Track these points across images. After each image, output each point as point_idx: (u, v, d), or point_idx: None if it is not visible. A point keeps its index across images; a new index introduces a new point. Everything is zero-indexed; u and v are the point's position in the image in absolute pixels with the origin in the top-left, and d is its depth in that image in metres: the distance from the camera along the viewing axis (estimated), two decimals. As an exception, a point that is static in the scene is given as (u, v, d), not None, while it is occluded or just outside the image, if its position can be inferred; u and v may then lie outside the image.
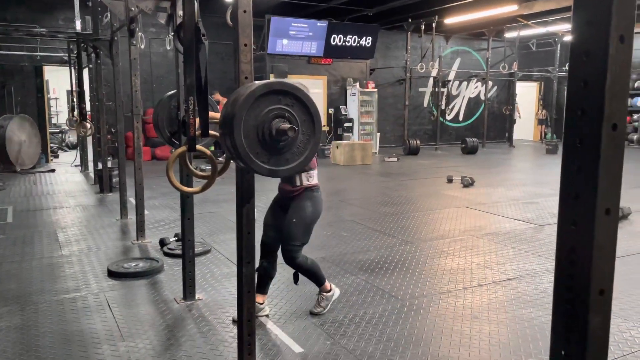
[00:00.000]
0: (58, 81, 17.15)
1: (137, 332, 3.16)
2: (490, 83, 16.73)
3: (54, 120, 17.52)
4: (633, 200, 6.64)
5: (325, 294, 3.43)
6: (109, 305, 3.57)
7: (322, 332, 3.15)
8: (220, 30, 11.40)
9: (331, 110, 13.83)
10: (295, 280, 3.36)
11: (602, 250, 0.89)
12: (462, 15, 13.01)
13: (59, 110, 19.20)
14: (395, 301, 3.66)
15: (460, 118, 17.45)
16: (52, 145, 13.11)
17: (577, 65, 0.88)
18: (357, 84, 13.99)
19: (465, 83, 17.28)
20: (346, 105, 14.02)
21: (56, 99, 18.53)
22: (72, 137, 14.98)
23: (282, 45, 12.73)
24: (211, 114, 3.30)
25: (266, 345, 3.01)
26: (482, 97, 17.00)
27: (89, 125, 8.63)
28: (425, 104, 16.71)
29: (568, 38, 15.95)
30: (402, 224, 5.95)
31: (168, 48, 8.17)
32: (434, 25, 13.63)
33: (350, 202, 7.35)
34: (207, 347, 2.97)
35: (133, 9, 4.57)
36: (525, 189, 8.37)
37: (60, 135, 15.37)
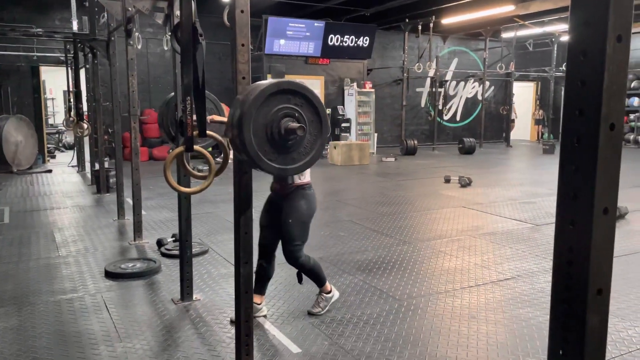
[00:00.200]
0: (55, 81, 17.11)
1: (134, 333, 3.15)
2: (487, 83, 16.76)
3: (50, 121, 17.47)
4: (630, 200, 6.66)
5: (325, 294, 3.43)
6: (106, 306, 3.56)
7: (320, 333, 3.15)
8: (217, 30, 11.38)
9: (329, 111, 13.83)
10: (299, 280, 3.37)
11: (600, 250, 0.89)
12: (459, 15, 13.03)
13: (56, 110, 19.15)
14: (393, 301, 3.66)
15: (458, 118, 17.47)
16: (48, 145, 13.08)
17: (575, 65, 0.88)
18: (355, 84, 14.00)
19: (462, 83, 17.30)
20: (344, 106, 14.03)
21: (53, 99, 18.49)
22: (69, 138, 14.95)
23: (279, 45, 12.73)
24: (219, 118, 3.31)
25: (264, 345, 3.01)
26: (480, 97, 17.02)
27: (85, 126, 8.61)
28: (423, 104, 16.73)
29: (565, 38, 16.00)
30: (399, 224, 5.95)
31: (165, 48, 8.16)
32: (431, 25, 13.65)
33: (347, 202, 7.35)
34: (205, 348, 2.96)
35: (130, 9, 4.57)
36: (522, 189, 8.38)
37: (57, 135, 15.33)
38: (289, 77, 12.14)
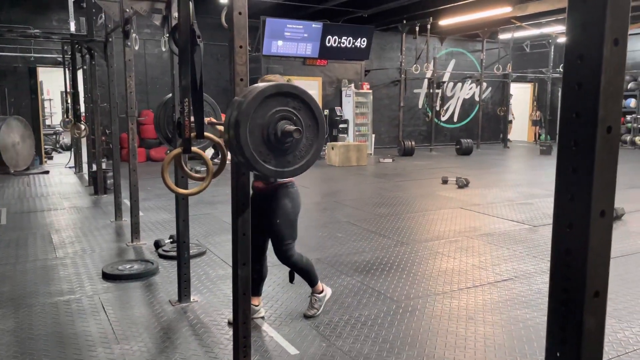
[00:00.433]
0: (52, 82, 17.08)
1: (132, 335, 3.15)
2: (484, 84, 16.80)
3: (47, 122, 17.44)
4: (627, 201, 6.67)
5: (317, 295, 3.42)
6: (103, 308, 3.56)
7: (317, 334, 3.15)
8: (215, 31, 11.39)
9: (326, 112, 13.84)
10: (291, 279, 3.36)
11: (597, 252, 0.89)
12: (456, 16, 13.06)
13: (53, 111, 19.12)
14: (390, 302, 3.66)
15: (455, 119, 17.50)
16: (46, 146, 13.06)
17: (572, 68, 0.88)
18: (352, 85, 14.01)
19: (459, 84, 17.34)
20: (341, 107, 14.04)
21: (50, 100, 18.46)
22: (66, 139, 14.92)
23: (277, 46, 12.73)
24: (216, 121, 3.31)
25: (261, 347, 3.01)
26: (477, 99, 17.05)
27: (83, 127, 8.60)
28: (420, 105, 16.76)
29: (562, 39, 16.04)
30: (397, 225, 5.96)
31: (163, 49, 8.16)
32: (429, 26, 13.68)
33: (345, 203, 7.35)
34: (203, 350, 2.96)
35: (128, 10, 4.56)
36: (519, 190, 8.40)
37: (54, 136, 15.31)
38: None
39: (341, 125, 13.42)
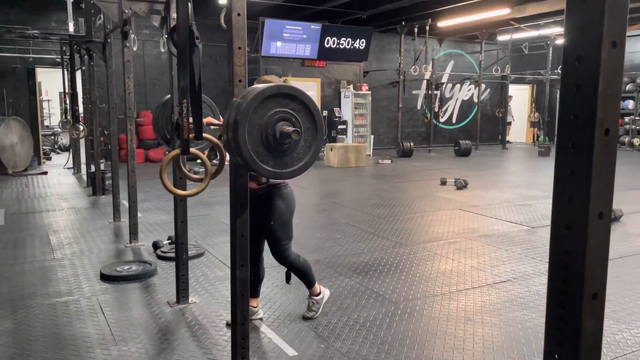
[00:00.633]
0: (50, 83, 17.08)
1: (130, 336, 3.14)
2: (483, 86, 16.82)
3: (46, 123, 17.43)
4: (625, 202, 6.68)
5: (315, 297, 3.41)
6: (101, 309, 3.55)
7: (316, 336, 3.15)
8: (213, 32, 11.38)
9: (325, 113, 13.84)
10: (288, 279, 3.35)
11: (595, 254, 0.89)
12: (455, 18, 13.07)
13: (52, 112, 19.11)
14: (389, 304, 3.66)
15: (454, 120, 17.51)
16: (44, 147, 13.03)
17: (570, 70, 0.88)
18: (351, 86, 14.02)
19: (458, 86, 17.35)
20: (340, 108, 14.04)
21: (49, 100, 18.46)
22: (64, 140, 14.90)
23: (276, 47, 12.73)
24: (214, 121, 3.31)
25: (260, 348, 3.00)
26: (475, 100, 17.07)
27: (81, 128, 8.58)
28: (419, 107, 16.76)
29: (560, 41, 16.06)
30: (395, 226, 5.96)
31: (162, 50, 8.15)
32: (428, 28, 13.69)
33: (344, 204, 7.35)
34: (201, 351, 2.96)
35: (126, 11, 4.56)
36: (518, 191, 8.41)
37: (52, 137, 15.29)
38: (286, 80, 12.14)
39: (340, 127, 13.42)
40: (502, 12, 12.06)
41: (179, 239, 3.63)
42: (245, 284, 2.33)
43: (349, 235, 5.56)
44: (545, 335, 0.98)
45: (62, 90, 11.68)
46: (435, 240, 5.40)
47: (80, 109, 8.91)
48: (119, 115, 6.33)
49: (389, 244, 5.23)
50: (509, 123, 17.93)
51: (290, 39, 12.89)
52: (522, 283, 4.08)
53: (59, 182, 9.51)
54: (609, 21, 0.83)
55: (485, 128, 17.53)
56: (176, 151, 2.57)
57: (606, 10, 0.83)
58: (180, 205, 3.58)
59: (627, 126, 15.97)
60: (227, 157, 2.32)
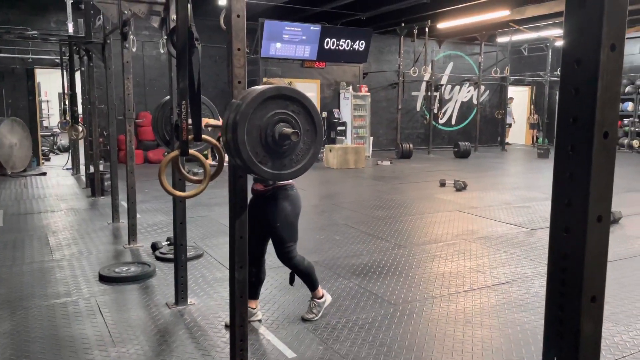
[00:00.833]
0: (50, 84, 17.07)
1: (128, 338, 3.14)
2: (482, 87, 16.83)
3: (45, 123, 17.42)
4: (624, 204, 6.68)
5: (317, 300, 3.42)
6: (100, 310, 3.55)
7: (314, 337, 3.14)
8: (213, 33, 11.40)
9: (324, 114, 13.85)
10: (291, 281, 3.36)
11: (594, 257, 0.89)
12: (454, 20, 13.08)
13: (51, 113, 19.10)
14: (388, 305, 3.66)
15: (453, 122, 17.52)
16: (43, 148, 13.02)
17: (569, 72, 0.88)
18: (350, 87, 14.02)
19: (457, 87, 17.36)
20: (339, 109, 14.04)
21: (48, 101, 18.45)
22: (63, 140, 14.89)
23: (275, 48, 12.73)
24: (213, 121, 3.31)
25: (258, 350, 3.00)
26: (475, 101, 17.08)
27: (80, 129, 8.58)
28: (418, 108, 16.77)
29: (559, 43, 16.08)
30: (395, 228, 5.95)
31: (161, 51, 8.15)
32: (427, 29, 13.69)
33: (343, 205, 7.35)
34: (199, 353, 2.95)
35: (126, 12, 4.56)
36: (517, 193, 8.41)
37: (51, 138, 15.28)
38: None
39: (339, 128, 13.42)
40: (501, 14, 12.07)
41: (178, 240, 3.63)
42: (244, 285, 2.33)
43: (348, 236, 5.56)
44: (544, 337, 0.97)
45: (61, 91, 11.67)
46: (434, 242, 5.40)
47: (80, 110, 8.91)
48: (118, 116, 6.33)
49: (388, 245, 5.23)
50: (509, 125, 17.94)
51: (290, 40, 12.89)
52: (521, 285, 4.08)
53: (57, 183, 9.50)
54: (608, 24, 0.83)
55: (484, 130, 17.54)
56: (175, 152, 2.57)
57: (605, 12, 0.82)
58: (179, 206, 3.58)
59: (626, 128, 15.99)
60: (226, 158, 2.32)
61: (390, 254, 4.92)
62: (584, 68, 0.86)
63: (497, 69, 15.90)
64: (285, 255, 3.25)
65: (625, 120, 15.95)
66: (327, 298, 3.49)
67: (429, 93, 15.84)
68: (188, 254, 3.95)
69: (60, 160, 12.57)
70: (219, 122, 2.98)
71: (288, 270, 3.38)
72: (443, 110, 16.95)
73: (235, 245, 2.28)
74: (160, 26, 3.74)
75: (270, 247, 3.34)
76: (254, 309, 3.37)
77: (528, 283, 4.12)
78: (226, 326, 3.26)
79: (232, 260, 2.31)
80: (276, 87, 2.04)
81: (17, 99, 11.50)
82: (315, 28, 13.12)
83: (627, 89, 15.96)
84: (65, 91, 10.27)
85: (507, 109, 17.46)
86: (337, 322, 3.37)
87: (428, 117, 15.96)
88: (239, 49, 2.15)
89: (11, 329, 3.23)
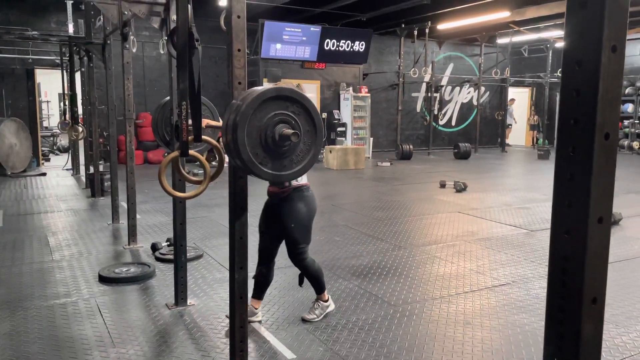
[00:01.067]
0: (50, 84, 17.07)
1: (128, 338, 3.14)
2: (482, 88, 16.84)
3: (45, 124, 17.41)
4: (624, 206, 6.68)
5: (322, 302, 3.42)
6: (99, 311, 3.54)
7: (314, 338, 3.14)
8: (213, 34, 11.39)
9: (324, 115, 13.85)
10: (300, 282, 3.38)
11: (595, 258, 0.89)
12: (454, 21, 13.08)
13: (51, 113, 19.10)
14: (388, 307, 3.65)
15: (453, 123, 17.52)
16: (43, 148, 13.02)
17: (570, 74, 0.88)
18: (350, 88, 14.02)
19: (457, 88, 17.37)
20: (339, 110, 14.05)
21: (48, 102, 18.45)
22: (63, 141, 14.89)
23: (275, 49, 12.74)
24: (213, 122, 3.31)
25: (258, 351, 3.00)
26: (475, 103, 17.09)
27: (80, 129, 8.58)
28: (418, 109, 16.77)
29: (560, 44, 16.09)
30: (395, 229, 5.95)
31: (161, 52, 8.15)
32: (427, 30, 13.70)
33: (343, 206, 7.35)
34: (199, 354, 2.95)
35: (126, 12, 4.56)
36: (517, 194, 8.41)
37: (51, 138, 15.28)
38: (286, 81, 12.13)
39: (339, 129, 13.43)
40: (501, 15, 12.07)
41: (178, 241, 3.63)
42: (244, 286, 2.32)
43: (348, 237, 5.56)
44: (544, 339, 0.97)
45: (61, 92, 11.66)
46: (434, 243, 5.40)
47: (80, 111, 8.90)
48: (118, 117, 6.32)
49: (388, 246, 5.22)
50: (509, 126, 17.93)
51: (290, 41, 12.90)
52: (521, 286, 4.08)
53: (57, 183, 9.50)
54: (609, 25, 0.83)
55: (484, 131, 17.54)
56: (175, 153, 2.57)
57: (606, 14, 0.82)
58: (179, 207, 3.58)
59: (627, 129, 15.99)
60: (226, 159, 2.32)
61: (390, 255, 4.92)
62: (585, 69, 0.85)
63: (497, 70, 15.90)
64: (297, 257, 3.26)
65: (626, 122, 15.96)
66: (331, 304, 3.50)
67: (429, 94, 15.85)
68: (188, 254, 3.95)
69: (60, 161, 12.57)
70: (219, 123, 2.98)
71: (289, 272, 3.39)
72: (443, 112, 16.95)
73: (235, 246, 2.28)
74: (160, 27, 3.74)
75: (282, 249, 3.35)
76: (257, 309, 3.37)
77: (528, 284, 4.12)
78: (227, 316, 3.25)
79: (232, 261, 2.31)
80: (275, 89, 2.04)
81: (17, 99, 11.50)
82: (316, 29, 13.12)
83: (627, 90, 15.96)
84: (66, 92, 10.26)
85: (507, 110, 17.45)
86: (336, 323, 3.36)
87: (428, 118, 15.97)
88: (239, 50, 2.15)
89: (10, 330, 3.23)
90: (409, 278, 4.27)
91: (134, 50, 4.83)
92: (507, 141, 17.76)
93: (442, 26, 13.71)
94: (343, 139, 13.30)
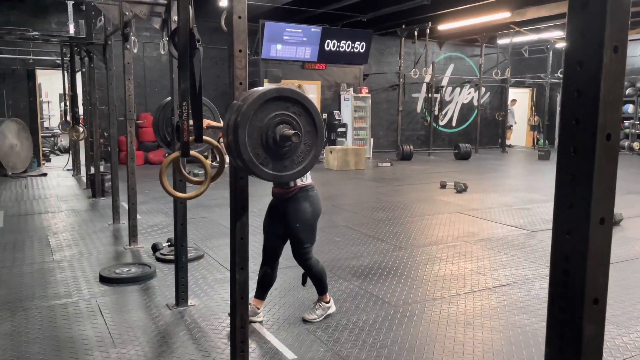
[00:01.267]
0: (51, 85, 17.10)
1: (128, 339, 3.14)
2: (483, 89, 16.84)
3: (46, 124, 17.43)
4: (625, 207, 6.68)
5: (323, 303, 3.42)
6: (100, 311, 3.54)
7: (315, 339, 3.14)
8: (214, 34, 11.39)
9: (325, 115, 13.85)
10: (304, 281, 3.38)
11: (597, 259, 0.89)
12: (455, 21, 13.08)
13: (52, 113, 19.12)
14: (388, 307, 3.65)
15: (454, 124, 17.52)
16: (44, 149, 13.03)
17: (571, 75, 0.88)
18: (351, 89, 14.03)
19: (458, 89, 17.37)
20: (340, 111, 14.05)
21: (48, 102, 18.46)
22: (64, 141, 14.90)
23: (276, 50, 12.74)
24: (214, 123, 3.31)
25: (259, 351, 3.00)
26: (475, 103, 17.09)
27: (81, 129, 8.59)
28: (419, 110, 16.78)
29: (560, 45, 16.10)
30: (395, 230, 5.95)
31: (162, 52, 8.14)
32: (428, 31, 13.70)
33: (343, 207, 7.35)
34: (200, 354, 2.95)
35: (127, 13, 4.57)
36: (517, 195, 8.40)
37: (52, 139, 15.29)
38: (286, 81, 12.13)
39: (340, 129, 13.43)
40: (502, 15, 12.07)
41: (179, 242, 3.63)
42: (245, 286, 2.32)
43: (348, 238, 5.56)
44: (546, 340, 0.97)
45: (62, 92, 11.67)
46: (435, 243, 5.40)
47: (80, 111, 8.91)
48: (118, 117, 6.33)
49: (389, 247, 5.22)
50: (510, 126, 17.92)
51: (291, 42, 12.90)
52: (522, 287, 4.08)
53: (58, 183, 9.50)
54: (611, 26, 0.83)
55: (485, 131, 17.54)
56: (176, 154, 2.57)
57: (607, 14, 0.82)
58: (179, 207, 3.58)
59: (627, 130, 15.99)
60: (227, 159, 2.32)
61: (391, 255, 4.92)
62: (587, 70, 0.85)
63: (497, 71, 15.90)
64: (302, 256, 3.27)
65: (626, 123, 15.96)
66: (333, 306, 3.50)
67: (430, 95, 15.85)
68: (189, 255, 3.95)
69: (61, 161, 12.57)
70: (220, 124, 2.98)
71: (290, 273, 3.39)
72: (443, 112, 16.95)
73: (236, 247, 2.28)
74: (161, 27, 3.74)
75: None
76: (259, 309, 3.37)
77: (529, 285, 4.12)
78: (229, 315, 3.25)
79: (232, 261, 2.31)
80: (276, 89, 2.05)
81: (17, 99, 11.50)
82: (316, 30, 13.13)
83: (628, 91, 15.97)
84: (66, 92, 10.27)
85: (507, 110, 17.45)
86: (337, 323, 3.36)
87: (428, 118, 15.97)
88: (240, 51, 2.15)
89: (11, 330, 3.23)
90: (410, 279, 4.26)
91: (135, 50, 4.84)
92: (509, 142, 17.76)
93: (443, 27, 13.72)
94: (343, 139, 13.30)
